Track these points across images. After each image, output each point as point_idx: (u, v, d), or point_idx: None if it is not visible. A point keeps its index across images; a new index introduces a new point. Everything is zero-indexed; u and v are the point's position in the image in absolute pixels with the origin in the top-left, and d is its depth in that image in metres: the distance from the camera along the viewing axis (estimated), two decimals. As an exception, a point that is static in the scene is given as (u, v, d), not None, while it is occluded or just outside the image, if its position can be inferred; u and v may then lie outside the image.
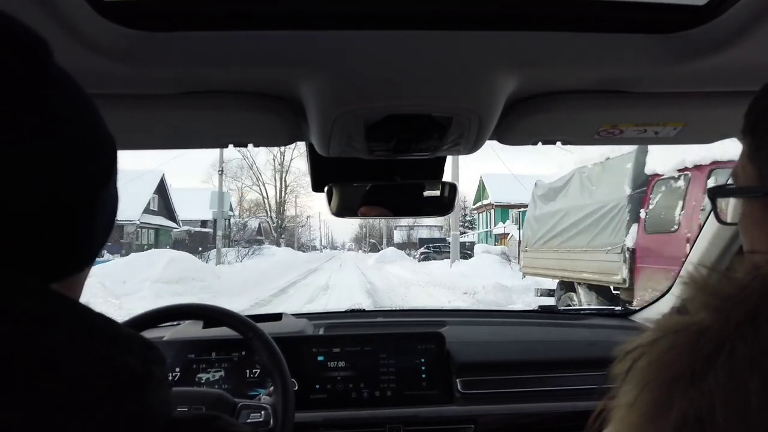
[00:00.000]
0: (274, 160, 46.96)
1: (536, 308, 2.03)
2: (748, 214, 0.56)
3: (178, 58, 0.73)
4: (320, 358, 1.55)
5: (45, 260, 0.41)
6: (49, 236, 0.40)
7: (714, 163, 5.14)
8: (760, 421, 0.32)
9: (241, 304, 9.44)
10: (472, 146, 1.02)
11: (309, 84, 0.80)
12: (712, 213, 1.46)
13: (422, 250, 34.88)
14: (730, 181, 0.63)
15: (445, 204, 1.33)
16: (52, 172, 0.39)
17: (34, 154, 0.38)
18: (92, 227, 0.45)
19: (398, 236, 57.24)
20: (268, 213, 47.68)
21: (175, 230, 35.07)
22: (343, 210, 1.33)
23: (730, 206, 1.00)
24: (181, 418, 0.42)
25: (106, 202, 0.46)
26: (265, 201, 47.72)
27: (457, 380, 1.54)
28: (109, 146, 0.47)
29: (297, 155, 44.94)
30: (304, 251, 50.62)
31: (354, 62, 0.75)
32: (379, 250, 47.14)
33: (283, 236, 49.20)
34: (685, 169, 5.50)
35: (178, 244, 28.36)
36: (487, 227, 38.94)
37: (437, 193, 1.33)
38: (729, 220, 0.67)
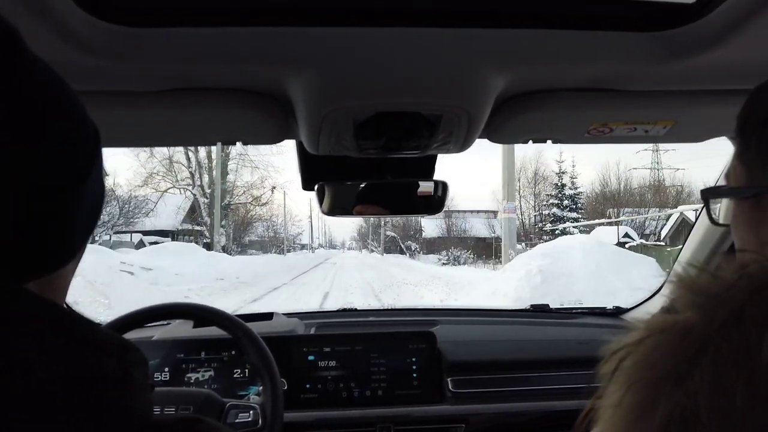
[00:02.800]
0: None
1: (528, 307, 2.03)
2: (738, 215, 0.57)
3: (164, 54, 0.72)
4: (311, 357, 1.54)
5: (21, 257, 0.39)
6: (25, 231, 0.38)
7: None
8: (745, 421, 0.31)
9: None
10: (462, 144, 1.02)
11: (297, 81, 0.80)
12: (703, 212, 1.47)
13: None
14: (722, 182, 0.63)
15: (436, 202, 1.33)
16: (27, 162, 0.37)
17: (7, 143, 0.36)
18: (73, 221, 0.43)
19: (432, 227, 37.89)
20: (196, 183, 28.90)
21: None
22: (334, 209, 1.32)
23: (722, 207, 1.01)
24: (162, 420, 0.41)
25: (89, 194, 0.44)
26: (192, 160, 28.52)
27: (448, 379, 1.54)
28: (91, 136, 0.45)
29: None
30: (281, 253, 39.02)
31: (342, 59, 0.74)
32: (404, 251, 38.29)
33: (225, 225, 29.36)
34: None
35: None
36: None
37: (429, 191, 1.33)
38: (722, 220, 0.67)
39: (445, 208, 1.36)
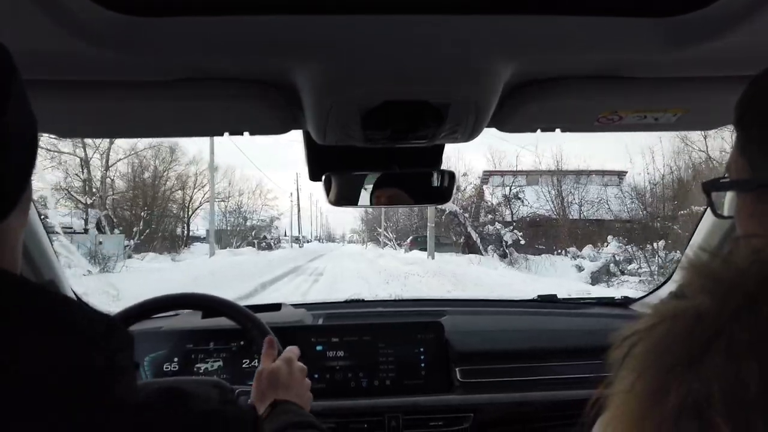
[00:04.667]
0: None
1: (535, 297, 2.03)
2: (741, 207, 0.57)
3: (170, 44, 0.72)
4: (319, 347, 1.55)
5: None
6: None
7: None
8: (759, 407, 0.31)
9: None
10: (470, 134, 1.01)
11: (303, 70, 0.79)
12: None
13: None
14: (725, 175, 0.62)
15: (443, 192, 1.33)
16: None
17: None
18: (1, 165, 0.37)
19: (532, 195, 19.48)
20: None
21: None
22: (341, 199, 1.32)
23: (726, 199, 1.00)
24: (147, 400, 0.40)
25: (12, 130, 0.39)
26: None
27: (457, 369, 1.54)
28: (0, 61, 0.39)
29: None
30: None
31: (349, 47, 0.74)
32: (502, 251, 16.75)
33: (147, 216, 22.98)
34: None
35: None
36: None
37: (436, 181, 1.33)
38: (726, 213, 0.67)
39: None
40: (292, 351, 1.02)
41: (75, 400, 0.33)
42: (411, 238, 27.69)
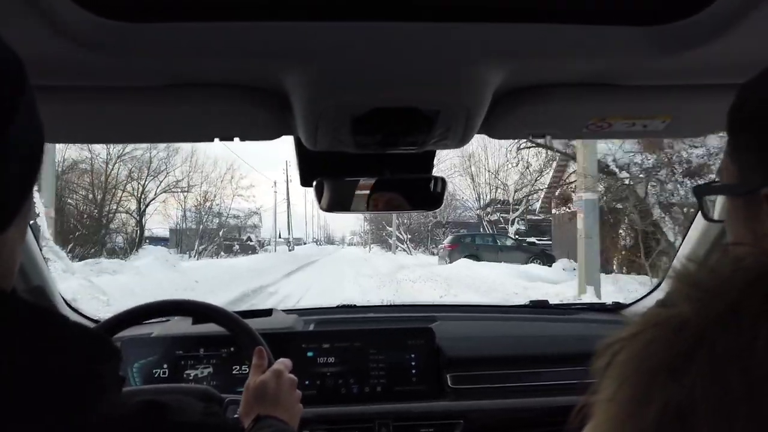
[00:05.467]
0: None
1: (527, 303, 2.03)
2: (732, 211, 0.57)
3: (159, 49, 0.72)
4: (310, 353, 1.54)
5: None
6: None
7: None
8: (742, 414, 0.31)
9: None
10: (460, 140, 1.01)
11: (294, 76, 0.79)
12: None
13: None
14: (716, 179, 0.63)
15: (435, 198, 1.33)
16: None
17: None
18: (2, 176, 0.36)
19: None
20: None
21: None
22: (333, 205, 1.32)
23: (717, 203, 1.01)
24: (127, 413, 0.39)
25: (17, 142, 0.37)
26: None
27: (447, 375, 1.54)
28: (11, 67, 0.38)
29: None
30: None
31: (338, 54, 0.74)
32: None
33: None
34: None
35: None
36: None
37: (428, 187, 1.33)
38: (716, 217, 0.68)
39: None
40: (283, 363, 1.01)
41: (54, 413, 0.33)
42: (451, 237, 19.66)
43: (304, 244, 57.84)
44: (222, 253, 25.21)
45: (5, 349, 0.33)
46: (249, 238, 31.79)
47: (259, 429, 0.83)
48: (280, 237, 45.84)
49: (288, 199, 47.16)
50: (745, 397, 0.31)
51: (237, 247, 28.58)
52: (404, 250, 26.67)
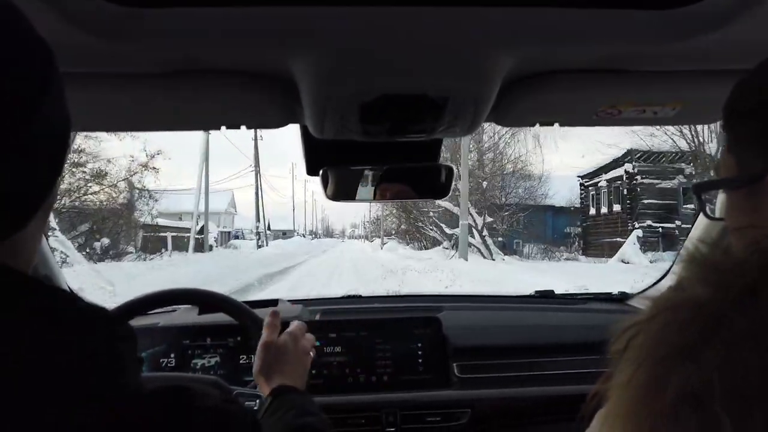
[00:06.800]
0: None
1: (533, 293, 2.03)
2: (733, 205, 0.57)
3: (166, 35, 0.71)
4: (316, 343, 1.55)
5: None
6: None
7: None
8: (759, 396, 0.31)
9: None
10: (469, 127, 1.01)
11: (301, 62, 0.79)
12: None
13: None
14: (713, 175, 0.63)
15: (443, 187, 1.33)
16: None
17: None
18: (27, 167, 0.35)
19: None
20: None
21: None
22: (339, 194, 1.32)
23: (717, 203, 1.00)
24: (151, 391, 0.39)
25: (42, 133, 0.36)
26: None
27: (454, 365, 1.54)
28: (39, 55, 0.37)
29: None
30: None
31: (346, 39, 0.73)
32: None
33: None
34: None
35: None
36: None
37: (435, 176, 1.33)
38: (717, 215, 0.67)
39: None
40: (298, 327, 1.03)
41: (83, 389, 0.33)
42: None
43: (289, 238, 47.13)
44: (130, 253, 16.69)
45: (30, 330, 0.33)
46: (201, 231, 21.77)
47: (278, 407, 0.83)
48: (269, 230, 37.04)
49: (257, 176, 30.59)
50: (763, 379, 0.31)
51: (169, 245, 20.05)
52: (479, 251, 15.16)
